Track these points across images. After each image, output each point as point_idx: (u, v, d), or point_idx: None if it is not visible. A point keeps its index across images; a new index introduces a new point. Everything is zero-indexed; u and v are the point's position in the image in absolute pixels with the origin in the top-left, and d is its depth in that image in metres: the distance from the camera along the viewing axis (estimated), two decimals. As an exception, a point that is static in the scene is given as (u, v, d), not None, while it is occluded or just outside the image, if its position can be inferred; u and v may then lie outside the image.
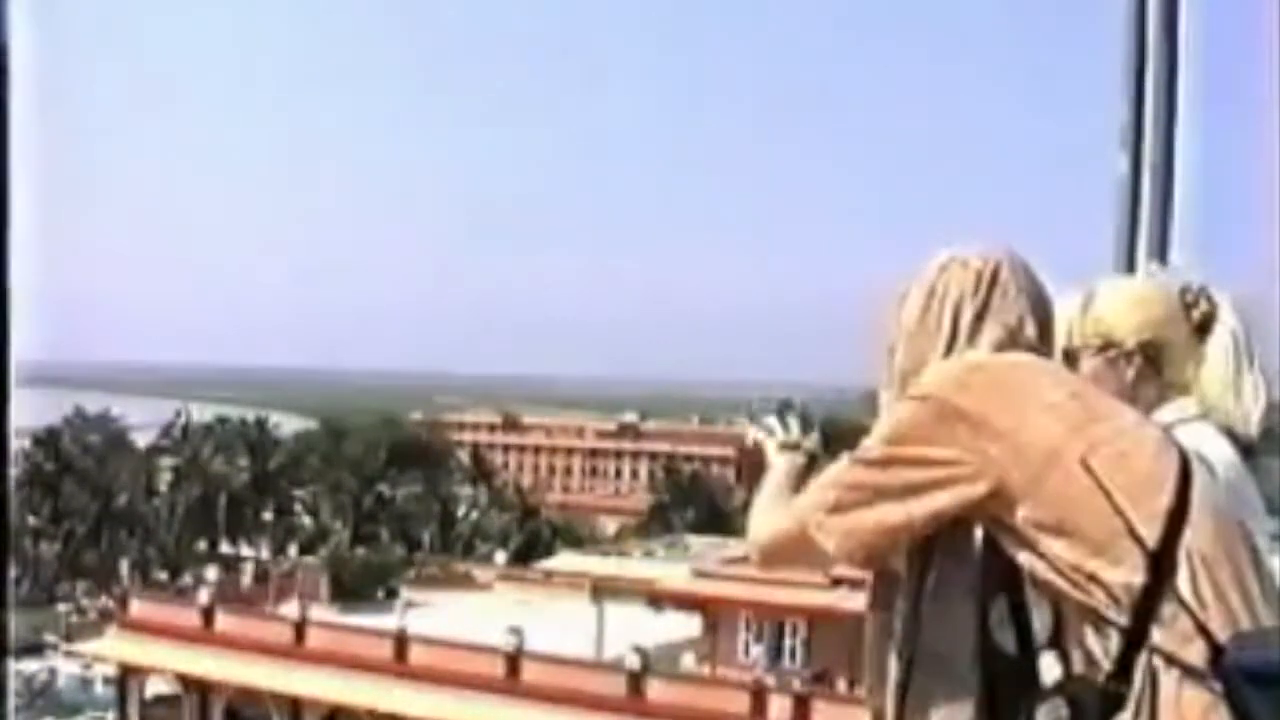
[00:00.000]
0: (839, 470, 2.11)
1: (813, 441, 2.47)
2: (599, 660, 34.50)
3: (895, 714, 2.12)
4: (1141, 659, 1.89)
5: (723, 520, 72.98)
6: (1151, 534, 1.92)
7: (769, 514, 2.30)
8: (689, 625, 38.79)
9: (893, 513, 2.03)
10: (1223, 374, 2.31)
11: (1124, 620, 1.90)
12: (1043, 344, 2.16)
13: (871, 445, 2.08)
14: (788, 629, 37.36)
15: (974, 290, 2.14)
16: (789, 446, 2.47)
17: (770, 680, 31.57)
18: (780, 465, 2.44)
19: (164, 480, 78.88)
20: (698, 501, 79.19)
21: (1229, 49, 3.78)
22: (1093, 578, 1.92)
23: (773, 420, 2.55)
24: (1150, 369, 2.37)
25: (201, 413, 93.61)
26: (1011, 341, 2.13)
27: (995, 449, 1.97)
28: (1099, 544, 1.92)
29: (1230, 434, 2.34)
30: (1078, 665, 1.95)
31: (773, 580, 38.55)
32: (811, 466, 2.40)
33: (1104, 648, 1.92)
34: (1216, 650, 1.87)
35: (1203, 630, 1.88)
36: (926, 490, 2.00)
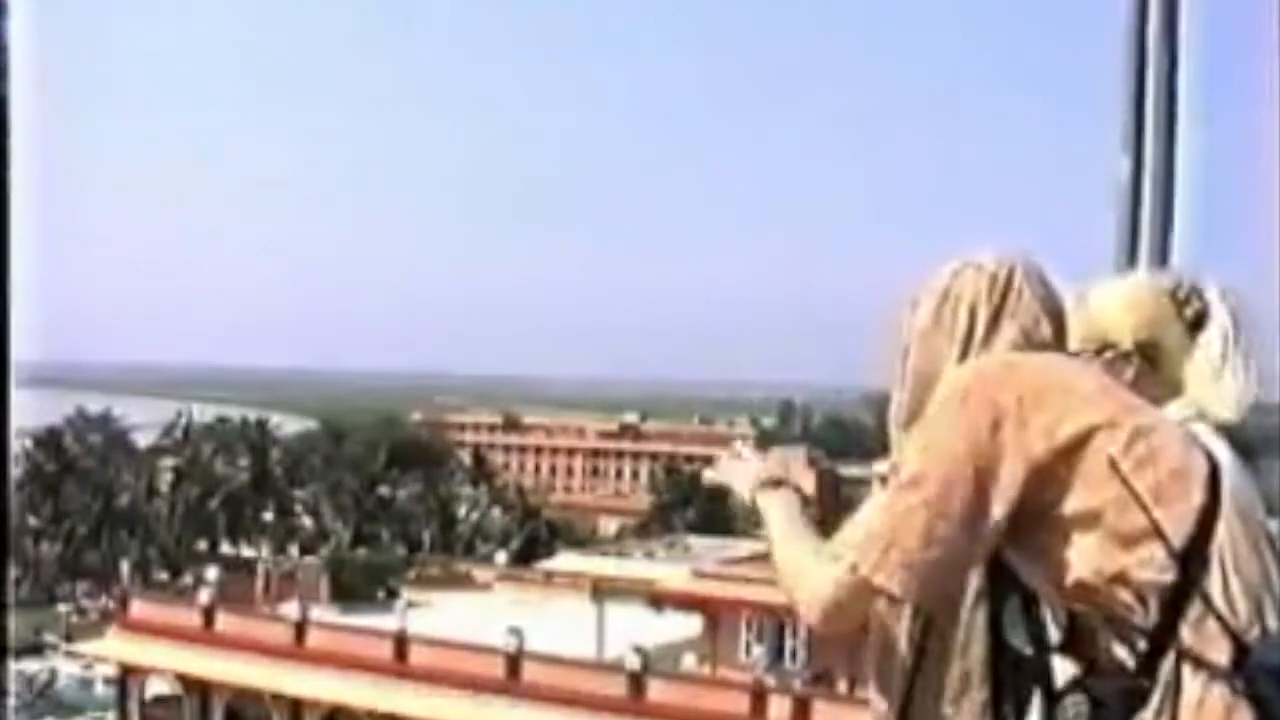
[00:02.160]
0: (884, 501, 2.03)
1: (797, 468, 2.29)
2: (599, 660, 34.48)
3: (901, 713, 2.12)
4: (1168, 658, 1.89)
5: (723, 520, 72.96)
6: (1181, 532, 1.91)
7: (809, 568, 2.09)
8: (689, 625, 38.78)
9: (953, 537, 1.95)
10: (1206, 368, 2.30)
11: (1150, 620, 1.90)
12: (1058, 345, 2.17)
13: (913, 462, 2.01)
14: (788, 629, 37.33)
15: (989, 293, 2.15)
16: (770, 484, 2.28)
17: (771, 680, 31.54)
18: (777, 510, 2.24)
19: (165, 480, 78.86)
20: (698, 502, 79.13)
21: (1229, 50, 3.78)
22: (1120, 576, 1.91)
23: (741, 447, 2.38)
24: (1148, 369, 2.37)
25: (202, 413, 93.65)
26: (1027, 342, 2.13)
27: (1037, 446, 1.96)
28: (1129, 542, 1.92)
29: (1230, 435, 2.33)
30: (1093, 665, 1.95)
31: (773, 580, 38.45)
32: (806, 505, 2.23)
33: (1126, 648, 1.92)
34: (1242, 651, 1.87)
35: (1229, 630, 1.88)
36: (978, 500, 1.96)
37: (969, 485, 1.96)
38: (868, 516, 2.08)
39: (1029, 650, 2.01)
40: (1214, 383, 2.24)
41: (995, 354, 2.12)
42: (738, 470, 2.37)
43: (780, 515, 2.22)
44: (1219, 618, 1.89)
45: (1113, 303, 2.37)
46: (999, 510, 1.96)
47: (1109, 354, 2.34)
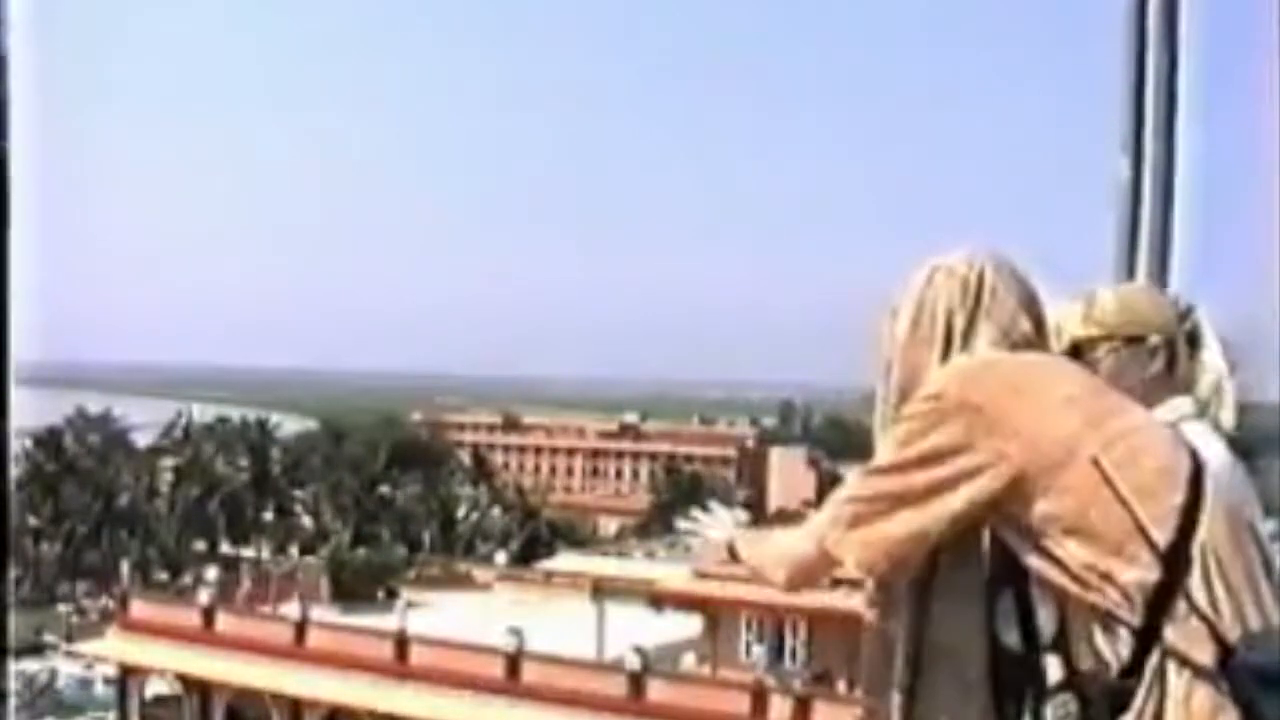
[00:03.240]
0: (853, 484, 2.10)
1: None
2: (599, 661, 34.48)
3: (904, 711, 2.12)
4: (1153, 658, 1.90)
5: (723, 521, 72.88)
6: (1164, 531, 1.92)
7: (780, 545, 2.27)
8: (689, 625, 38.79)
9: (912, 519, 2.01)
10: (1213, 376, 2.32)
11: (1136, 619, 1.91)
12: (1039, 339, 2.17)
13: (886, 452, 2.07)
14: (788, 629, 37.35)
15: (962, 296, 2.16)
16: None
17: (771, 680, 31.55)
18: (745, 537, 2.44)
19: (165, 480, 78.90)
20: (698, 501, 78.82)
21: (1229, 49, 3.78)
22: (1106, 576, 1.92)
23: (717, 513, 2.54)
24: (1167, 366, 2.38)
25: (202, 413, 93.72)
26: (1006, 339, 2.13)
27: (1012, 445, 1.97)
28: (1114, 542, 1.92)
29: (1228, 435, 2.34)
30: (1084, 663, 1.96)
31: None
32: None
33: (1113, 647, 1.93)
34: (1226, 650, 1.88)
35: (1213, 630, 1.89)
36: (944, 490, 2.00)
37: (936, 478, 2.00)
38: (835, 499, 2.13)
39: (1020, 648, 2.02)
40: (1220, 392, 2.27)
41: (976, 353, 2.12)
42: (712, 522, 2.54)
43: (748, 535, 2.43)
44: (1202, 617, 1.89)
45: (1147, 298, 2.40)
46: (963, 498, 1.99)
47: (1139, 345, 2.35)
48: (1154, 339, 2.36)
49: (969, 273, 2.17)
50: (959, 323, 2.14)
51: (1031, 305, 2.18)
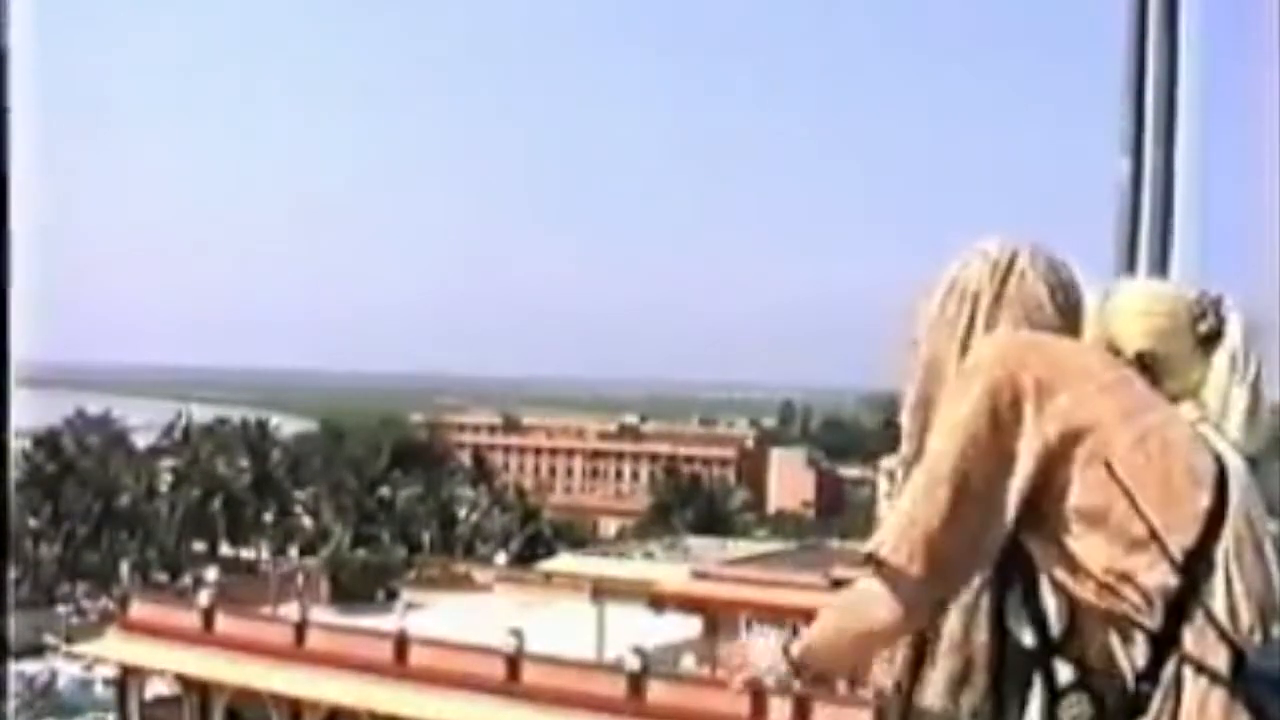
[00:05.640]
0: (911, 482, 2.02)
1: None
2: (599, 661, 34.48)
3: (906, 697, 2.12)
4: (1170, 663, 1.88)
5: (722, 521, 73.00)
6: (1187, 535, 1.90)
7: (845, 599, 2.26)
8: (689, 626, 38.79)
9: (973, 513, 1.96)
10: (1222, 390, 2.28)
11: (1154, 623, 1.89)
12: (1067, 327, 2.15)
13: (936, 439, 2.02)
14: (788, 630, 37.34)
15: (990, 278, 2.14)
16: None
17: (770, 681, 31.48)
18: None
19: (164, 481, 78.86)
20: (697, 502, 79.25)
21: (1229, 50, 3.78)
22: (1126, 577, 1.90)
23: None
24: (1146, 377, 2.35)
25: (201, 413, 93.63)
26: (1028, 324, 2.12)
27: (1052, 430, 1.95)
28: (1135, 541, 1.91)
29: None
30: (1095, 664, 1.94)
31: (773, 581, 38.56)
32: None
33: (1126, 649, 1.91)
34: (1240, 657, 1.87)
35: (1228, 636, 1.87)
36: (997, 477, 1.95)
37: (987, 462, 1.96)
38: (897, 504, 2.06)
39: (1029, 641, 2.00)
40: (1226, 403, 2.23)
41: (1020, 332, 2.10)
42: (761, 646, 2.51)
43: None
44: (1218, 624, 1.87)
45: (1129, 306, 2.34)
46: (1016, 489, 1.95)
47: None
48: (1128, 351, 2.32)
49: (1000, 256, 2.16)
50: (984, 304, 2.13)
51: (1061, 296, 2.15)
